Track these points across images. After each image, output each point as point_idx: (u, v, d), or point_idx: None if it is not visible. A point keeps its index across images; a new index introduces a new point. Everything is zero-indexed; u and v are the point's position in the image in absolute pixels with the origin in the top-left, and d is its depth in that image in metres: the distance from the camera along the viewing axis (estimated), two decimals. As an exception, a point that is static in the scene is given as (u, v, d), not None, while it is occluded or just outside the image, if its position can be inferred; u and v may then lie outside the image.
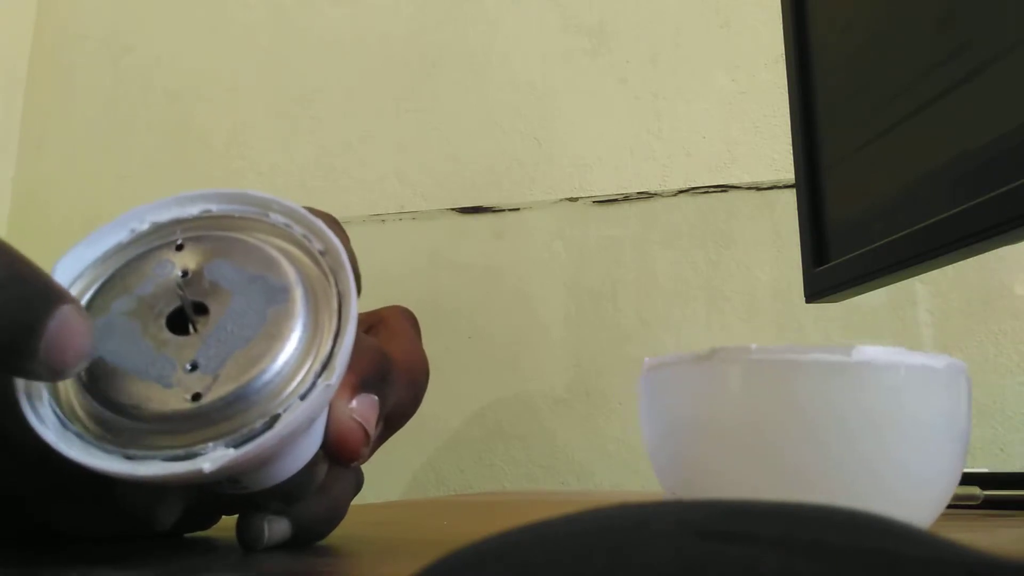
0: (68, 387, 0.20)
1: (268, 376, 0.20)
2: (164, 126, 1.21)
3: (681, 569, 0.09)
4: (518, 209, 1.04)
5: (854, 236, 0.50)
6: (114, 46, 1.26)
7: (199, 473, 0.19)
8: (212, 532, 0.32)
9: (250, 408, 0.19)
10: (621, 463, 0.94)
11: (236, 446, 0.19)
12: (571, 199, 1.03)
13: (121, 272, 0.21)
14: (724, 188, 0.98)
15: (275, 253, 0.21)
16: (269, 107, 1.17)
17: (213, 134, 1.18)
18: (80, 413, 0.20)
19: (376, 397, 0.24)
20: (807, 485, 0.23)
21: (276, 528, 0.26)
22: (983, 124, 0.38)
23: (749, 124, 0.98)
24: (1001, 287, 0.87)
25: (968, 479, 0.44)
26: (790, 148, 0.58)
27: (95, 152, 1.23)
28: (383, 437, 0.27)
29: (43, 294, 0.19)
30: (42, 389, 0.20)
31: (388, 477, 0.97)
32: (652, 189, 1.00)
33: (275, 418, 0.19)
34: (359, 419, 0.23)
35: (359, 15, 1.15)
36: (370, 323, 0.29)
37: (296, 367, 0.20)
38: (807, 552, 0.09)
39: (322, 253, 0.22)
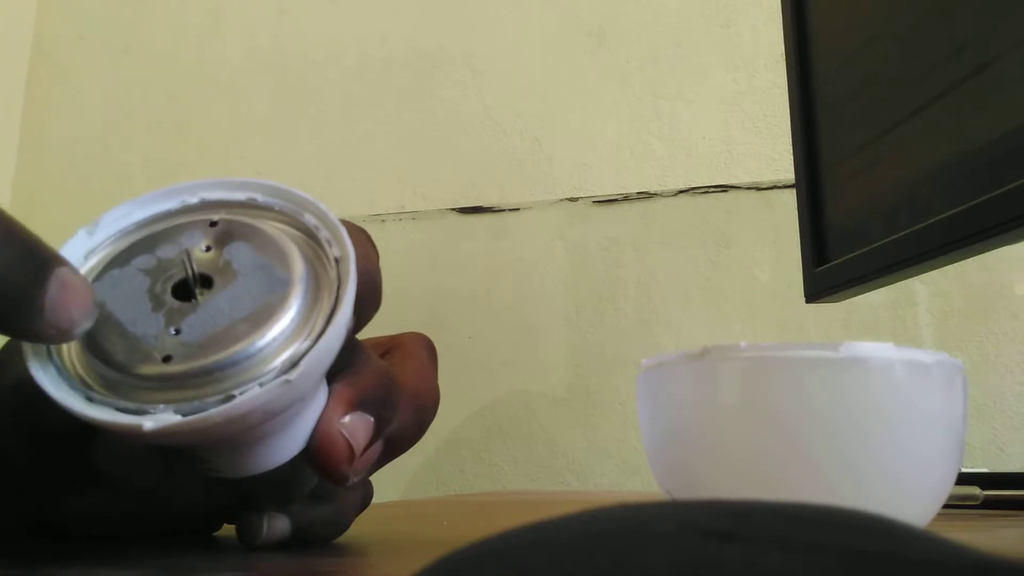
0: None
1: (239, 358, 0.20)
2: (164, 126, 1.21)
3: (681, 570, 0.09)
4: (518, 209, 1.04)
5: (854, 236, 0.50)
6: (114, 46, 1.26)
7: (138, 428, 0.19)
8: (211, 533, 0.32)
9: (212, 383, 0.20)
10: (621, 463, 0.94)
11: (185, 414, 0.20)
12: (571, 199, 1.03)
13: (155, 235, 0.23)
14: (724, 188, 0.98)
15: (293, 248, 0.22)
16: (269, 107, 1.17)
17: (213, 134, 1.18)
18: (71, 351, 0.21)
19: (372, 418, 0.24)
20: (800, 482, 0.23)
21: (275, 525, 0.26)
22: (983, 124, 0.38)
23: (749, 124, 0.98)
24: (1001, 287, 0.87)
25: (968, 479, 0.44)
26: (790, 148, 0.58)
27: (95, 152, 1.23)
28: (382, 461, 0.27)
29: (40, 256, 0.19)
30: None
31: (388, 477, 0.97)
32: (652, 189, 1.00)
33: (229, 398, 0.20)
34: (347, 434, 0.23)
35: (359, 15, 1.15)
36: (387, 347, 0.29)
37: (271, 357, 0.20)
38: (807, 552, 0.09)
39: (337, 260, 0.22)
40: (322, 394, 0.24)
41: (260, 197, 0.24)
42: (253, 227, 0.23)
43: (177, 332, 0.20)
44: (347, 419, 0.23)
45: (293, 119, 1.15)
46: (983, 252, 0.38)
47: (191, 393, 0.20)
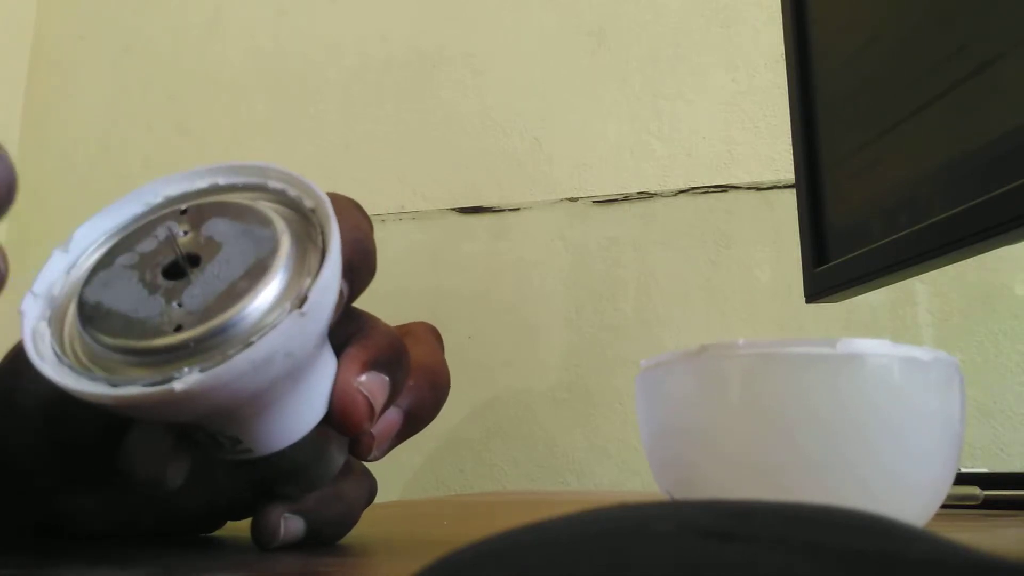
0: (70, 328, 0.22)
1: (247, 312, 0.20)
2: (164, 126, 1.21)
3: (681, 570, 0.09)
4: (518, 209, 1.04)
5: (854, 236, 0.50)
6: (114, 46, 1.26)
7: (171, 392, 0.19)
8: (213, 533, 0.32)
9: (228, 340, 0.20)
10: (621, 463, 0.94)
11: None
12: (571, 199, 1.03)
13: (130, 235, 0.23)
14: (724, 188, 0.98)
15: (268, 210, 0.23)
16: (269, 107, 1.17)
17: (213, 134, 1.18)
18: (79, 351, 0.21)
19: (387, 378, 0.25)
20: (798, 481, 0.23)
21: (291, 526, 0.26)
22: (983, 124, 0.38)
23: (749, 124, 0.98)
24: (1001, 287, 0.87)
25: (968, 479, 0.44)
26: (790, 148, 0.58)
27: (95, 152, 1.23)
28: (402, 435, 0.27)
29: None
30: (46, 331, 0.22)
31: (388, 477, 0.97)
32: (652, 189, 1.00)
33: (249, 344, 0.20)
34: (365, 392, 0.24)
35: (359, 15, 1.15)
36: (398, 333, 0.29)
37: (276, 304, 0.21)
38: (806, 552, 0.09)
39: (312, 210, 0.23)
40: (332, 361, 0.24)
41: (222, 180, 0.24)
42: (223, 203, 0.23)
43: (180, 305, 0.21)
44: (363, 378, 0.24)
45: (293, 119, 1.15)
46: (983, 252, 0.38)
47: (211, 354, 0.20)
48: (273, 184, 0.24)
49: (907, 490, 0.24)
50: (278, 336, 0.20)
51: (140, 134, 1.22)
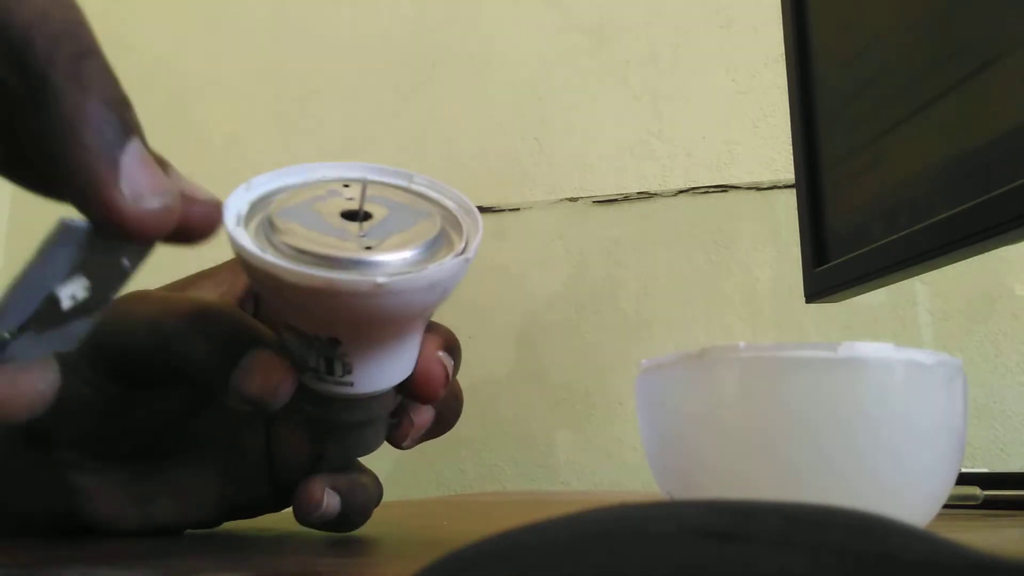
0: (259, 238, 0.23)
1: (420, 250, 0.23)
2: (164, 126, 1.21)
3: (681, 570, 0.09)
4: (518, 209, 1.04)
5: (854, 236, 0.50)
6: (114, 46, 1.26)
7: (374, 284, 0.22)
8: (212, 532, 0.32)
9: (410, 265, 0.23)
10: (621, 463, 0.94)
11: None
12: (571, 199, 1.03)
13: (302, 191, 0.26)
14: (724, 188, 0.98)
15: (415, 196, 0.26)
16: (269, 107, 1.17)
17: (213, 134, 1.18)
18: (278, 254, 0.23)
19: (453, 361, 0.28)
20: (799, 483, 0.23)
21: (332, 501, 0.29)
22: (983, 124, 0.38)
23: (749, 124, 0.98)
24: (1001, 287, 0.87)
25: (968, 479, 0.44)
26: (790, 148, 0.58)
27: (95, 152, 1.23)
28: (428, 434, 0.30)
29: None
30: (243, 233, 0.23)
31: (388, 477, 0.97)
32: (652, 189, 1.00)
33: (427, 268, 0.23)
34: (444, 363, 0.27)
35: (359, 15, 1.15)
36: None
37: (441, 252, 0.24)
38: (806, 552, 0.09)
39: (454, 207, 0.26)
40: (422, 333, 0.27)
41: (370, 176, 0.27)
42: (381, 188, 0.26)
43: (364, 236, 0.23)
44: (441, 353, 0.28)
45: (293, 119, 1.15)
46: (983, 252, 0.38)
47: (396, 269, 0.23)
48: (416, 187, 0.27)
49: (910, 492, 0.24)
50: (450, 267, 0.23)
51: (140, 134, 1.22)
